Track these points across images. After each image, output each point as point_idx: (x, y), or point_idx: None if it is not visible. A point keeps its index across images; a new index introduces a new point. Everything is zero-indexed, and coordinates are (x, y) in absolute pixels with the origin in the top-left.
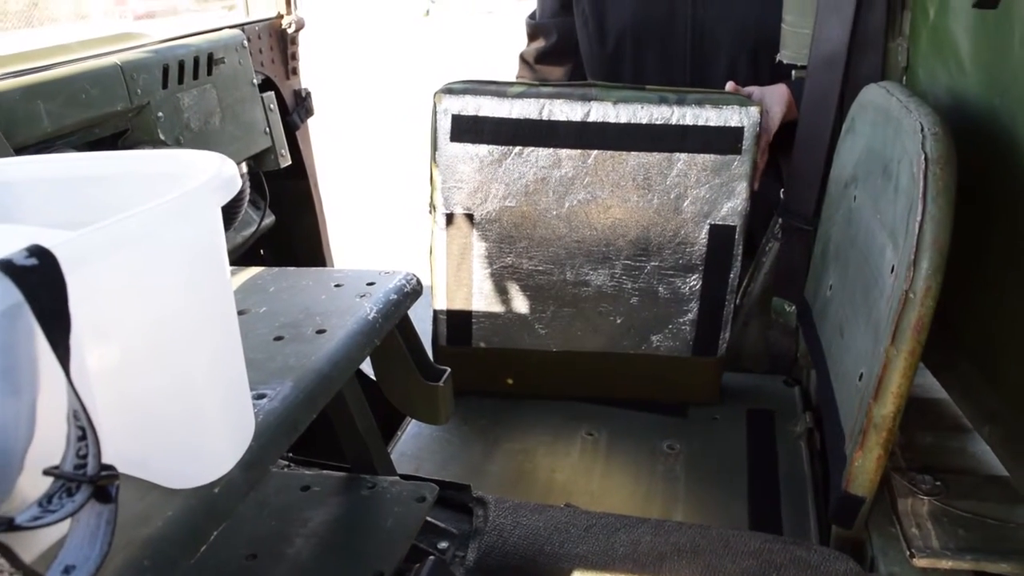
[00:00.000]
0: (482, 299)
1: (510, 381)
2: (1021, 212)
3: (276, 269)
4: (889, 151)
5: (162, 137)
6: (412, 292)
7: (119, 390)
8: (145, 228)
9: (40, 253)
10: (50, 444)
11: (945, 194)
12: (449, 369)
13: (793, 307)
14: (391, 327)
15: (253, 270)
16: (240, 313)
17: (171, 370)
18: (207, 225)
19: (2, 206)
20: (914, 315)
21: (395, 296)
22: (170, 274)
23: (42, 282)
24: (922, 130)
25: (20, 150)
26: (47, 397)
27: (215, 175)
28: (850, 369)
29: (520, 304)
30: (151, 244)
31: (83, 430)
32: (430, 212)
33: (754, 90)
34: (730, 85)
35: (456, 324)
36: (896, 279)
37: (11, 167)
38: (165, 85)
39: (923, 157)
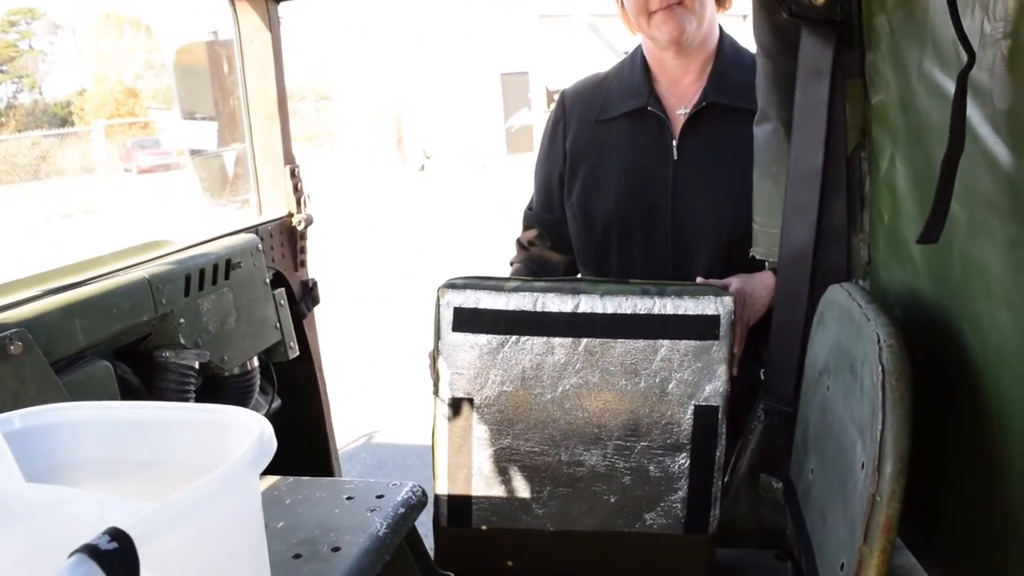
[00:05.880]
0: (482, 480)
1: (510, 563)
2: (974, 410)
3: (291, 479)
4: (854, 351)
5: (182, 341)
6: (418, 504)
7: None
8: (202, 502)
9: (118, 536)
10: None
11: (902, 404)
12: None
13: (780, 484)
14: (400, 540)
15: (269, 479)
16: None
17: None
18: (248, 488)
19: (65, 446)
20: (882, 517)
21: (403, 509)
22: (216, 529)
23: (121, 562)
24: (879, 341)
25: (55, 363)
26: None
27: (256, 443)
28: (832, 557)
29: (518, 485)
30: (205, 511)
31: None
32: (434, 395)
33: (732, 281)
34: (699, 279)
35: (456, 506)
36: (865, 477)
37: (73, 411)
38: (187, 293)
39: (880, 368)
